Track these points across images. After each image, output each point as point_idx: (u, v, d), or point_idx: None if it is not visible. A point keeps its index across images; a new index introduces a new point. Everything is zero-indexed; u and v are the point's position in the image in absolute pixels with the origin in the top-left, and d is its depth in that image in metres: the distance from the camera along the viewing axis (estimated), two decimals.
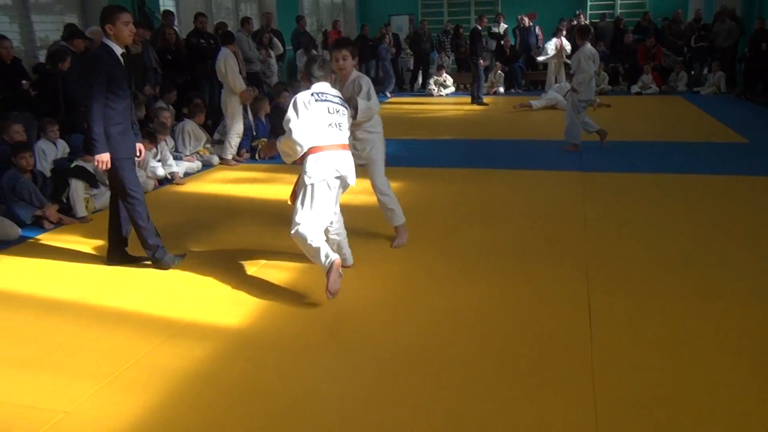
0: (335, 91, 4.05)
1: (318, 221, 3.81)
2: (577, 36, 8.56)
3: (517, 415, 2.66)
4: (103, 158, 4.11)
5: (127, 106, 4.24)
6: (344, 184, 3.97)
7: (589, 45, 8.18)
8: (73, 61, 7.11)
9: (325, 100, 3.87)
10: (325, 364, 3.13)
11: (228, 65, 7.73)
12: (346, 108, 4.03)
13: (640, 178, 6.66)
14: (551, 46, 13.48)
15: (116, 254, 4.53)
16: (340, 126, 3.91)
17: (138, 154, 4.45)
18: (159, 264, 4.38)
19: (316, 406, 2.78)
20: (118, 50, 4.16)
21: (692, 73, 14.52)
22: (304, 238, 3.74)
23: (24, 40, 8.41)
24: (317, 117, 3.81)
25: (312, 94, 3.84)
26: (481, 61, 13.32)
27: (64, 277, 4.34)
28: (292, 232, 3.79)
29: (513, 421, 2.62)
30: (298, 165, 3.92)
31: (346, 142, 3.99)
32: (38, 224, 5.41)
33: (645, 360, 3.06)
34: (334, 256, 3.67)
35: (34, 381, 3.00)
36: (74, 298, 3.98)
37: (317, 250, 3.69)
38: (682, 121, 10.56)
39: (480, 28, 13.30)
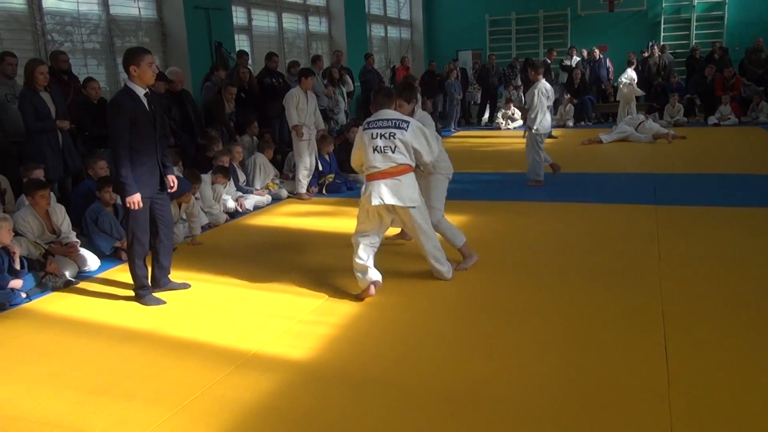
0: (393, 113, 4.38)
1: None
2: (531, 71, 8.54)
3: None
4: (134, 199, 4.27)
5: (153, 145, 4.37)
6: (392, 211, 4.38)
7: (544, 80, 8.19)
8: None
9: (371, 128, 4.31)
10: (389, 401, 3.10)
11: (287, 100, 7.93)
12: (400, 128, 4.27)
13: (719, 212, 6.38)
14: (629, 75, 13.33)
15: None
16: (384, 149, 4.24)
17: (171, 185, 4.60)
18: (142, 301, 4.52)
19: None
20: (141, 91, 4.28)
21: None
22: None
23: (110, 82, 8.89)
24: (363, 145, 4.35)
25: (363, 124, 4.38)
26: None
27: (137, 307, 4.48)
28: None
29: None
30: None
31: (393, 164, 4.28)
32: (117, 255, 5.63)
33: (726, 405, 2.88)
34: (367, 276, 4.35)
35: (109, 408, 3.09)
36: (147, 327, 4.10)
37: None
38: (763, 152, 10.09)
39: (549, 61, 13.20)
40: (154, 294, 4.59)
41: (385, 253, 5.13)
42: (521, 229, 6.16)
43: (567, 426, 2.78)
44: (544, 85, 8.12)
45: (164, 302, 4.54)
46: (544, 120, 8.01)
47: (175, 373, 3.43)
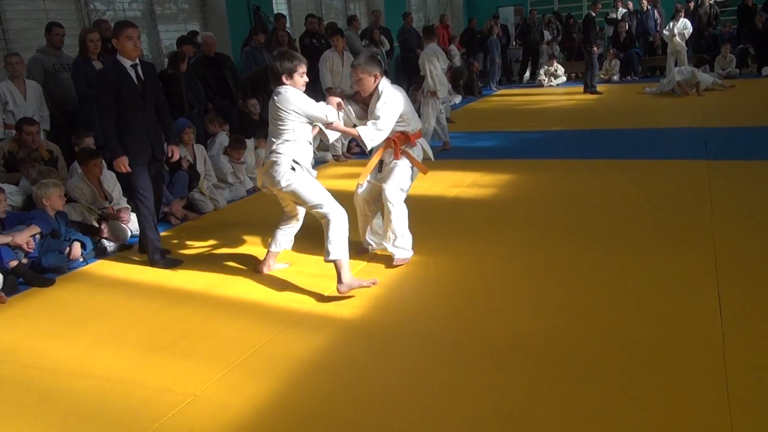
0: None
1: None
2: (424, 36, 8.53)
3: (646, 413, 2.53)
4: (121, 162, 4.45)
5: (140, 115, 4.50)
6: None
7: (433, 44, 8.10)
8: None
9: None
10: (437, 355, 3.13)
11: (321, 62, 7.92)
12: None
13: None
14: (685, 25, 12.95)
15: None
16: None
17: (170, 154, 4.82)
18: (155, 265, 4.65)
19: (429, 394, 2.78)
20: (128, 63, 4.43)
21: None
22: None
23: (152, 49, 8.99)
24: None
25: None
26: (595, 48, 12.82)
27: (189, 269, 4.59)
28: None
29: (640, 420, 2.50)
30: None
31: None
32: (166, 219, 5.76)
33: None
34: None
35: (167, 365, 3.20)
36: (199, 288, 4.21)
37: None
38: None
39: (594, 14, 12.81)
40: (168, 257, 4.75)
41: (426, 216, 5.13)
42: (569, 187, 6.06)
43: (620, 382, 2.77)
44: (431, 47, 8.08)
45: (181, 261, 4.71)
46: (440, 85, 7.98)
47: (229, 332, 3.52)
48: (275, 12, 10.46)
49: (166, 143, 4.83)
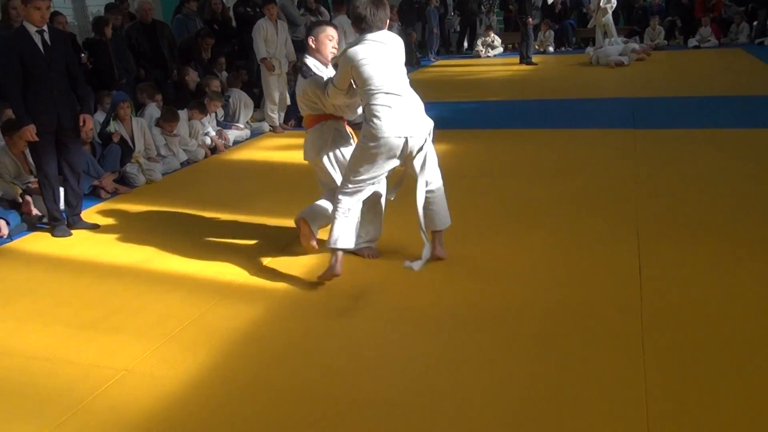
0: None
1: None
2: (333, 6, 8.24)
3: (567, 369, 2.66)
4: (28, 130, 4.39)
5: (46, 81, 4.42)
6: None
7: (342, 16, 7.79)
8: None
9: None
10: (377, 323, 3.18)
11: (254, 32, 7.75)
12: None
13: (696, 134, 6.44)
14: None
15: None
16: None
17: (81, 123, 4.68)
18: (53, 233, 4.71)
19: (364, 362, 2.84)
20: (32, 29, 4.36)
21: (755, 24, 13.81)
22: None
23: (78, 16, 8.62)
24: None
25: None
26: (530, 19, 12.99)
27: (120, 243, 4.49)
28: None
29: (562, 376, 2.62)
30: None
31: None
32: (96, 194, 5.60)
33: (695, 316, 3.01)
34: None
35: (96, 341, 3.15)
36: (131, 262, 4.13)
37: None
38: (743, 74, 10.10)
39: None
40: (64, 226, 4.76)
41: None
42: (502, 156, 6.19)
43: (541, 343, 2.89)
44: (340, 21, 7.49)
45: (70, 233, 4.72)
46: None
47: (161, 306, 3.48)
48: None
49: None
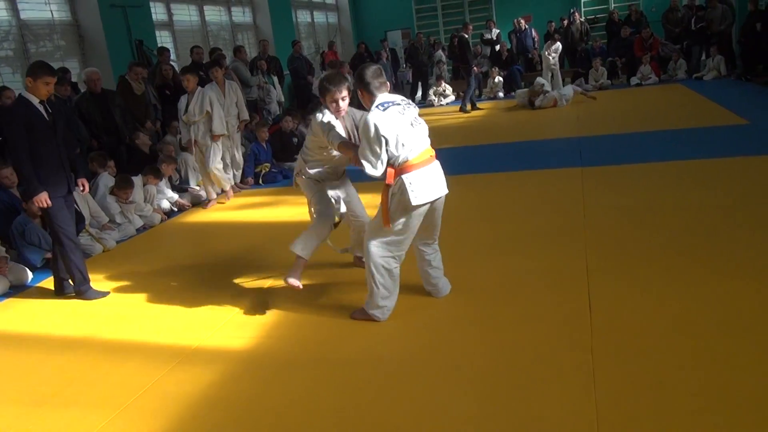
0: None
1: None
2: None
3: (517, 406, 2.68)
4: (42, 197, 4.40)
5: (54, 149, 4.48)
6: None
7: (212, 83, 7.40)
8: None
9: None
10: (328, 377, 3.18)
11: (213, 105, 7.33)
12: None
13: (641, 168, 6.66)
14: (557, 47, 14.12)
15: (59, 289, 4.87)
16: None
17: (81, 188, 4.85)
18: (84, 297, 4.68)
19: (323, 418, 2.83)
20: (35, 100, 4.41)
21: (692, 60, 14.46)
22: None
23: (24, 87, 8.60)
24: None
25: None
26: (475, 68, 13.32)
27: (74, 315, 4.43)
28: None
29: (512, 414, 2.64)
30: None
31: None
32: (48, 267, 5.51)
33: (645, 345, 3.08)
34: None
35: (49, 417, 3.08)
36: (85, 334, 4.07)
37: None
38: (683, 108, 10.52)
39: (467, 36, 13.26)
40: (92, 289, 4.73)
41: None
42: (453, 200, 6.28)
43: (493, 381, 2.92)
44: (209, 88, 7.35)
45: (107, 293, 4.70)
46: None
47: (116, 376, 3.43)
48: (159, 45, 10.29)
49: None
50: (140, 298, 4.60)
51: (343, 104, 3.88)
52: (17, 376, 3.59)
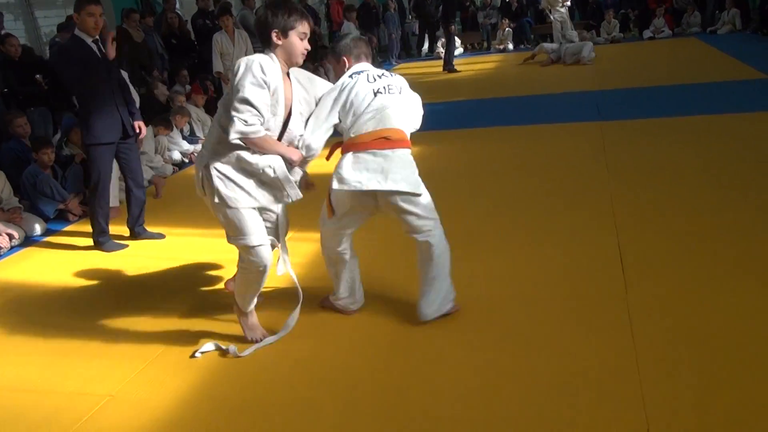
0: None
1: None
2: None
3: (559, 366, 2.65)
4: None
5: (108, 91, 4.34)
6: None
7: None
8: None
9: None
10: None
11: (212, 46, 7.63)
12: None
13: (659, 123, 6.55)
14: None
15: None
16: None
17: (138, 131, 4.61)
18: (102, 248, 4.59)
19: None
20: (89, 39, 4.24)
21: (705, 13, 14.16)
22: None
23: (30, 37, 8.41)
24: None
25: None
26: (453, 26, 12.81)
27: (91, 266, 4.37)
28: None
29: (551, 368, 2.61)
30: None
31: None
32: (63, 217, 5.45)
33: (681, 302, 3.04)
34: None
35: (77, 368, 3.03)
36: (106, 285, 4.02)
37: None
38: (698, 62, 10.34)
39: None
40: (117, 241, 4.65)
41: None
42: (471, 155, 6.21)
43: (534, 329, 2.89)
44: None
45: (126, 246, 4.62)
46: None
47: (141, 327, 3.38)
48: None
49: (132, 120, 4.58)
50: (158, 250, 4.54)
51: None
52: (40, 327, 3.54)
